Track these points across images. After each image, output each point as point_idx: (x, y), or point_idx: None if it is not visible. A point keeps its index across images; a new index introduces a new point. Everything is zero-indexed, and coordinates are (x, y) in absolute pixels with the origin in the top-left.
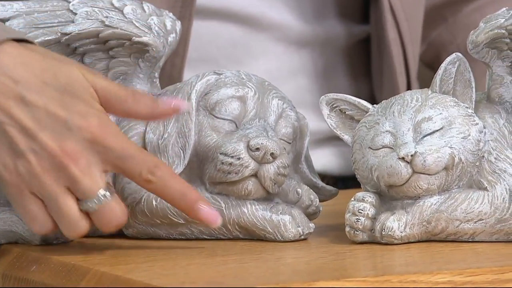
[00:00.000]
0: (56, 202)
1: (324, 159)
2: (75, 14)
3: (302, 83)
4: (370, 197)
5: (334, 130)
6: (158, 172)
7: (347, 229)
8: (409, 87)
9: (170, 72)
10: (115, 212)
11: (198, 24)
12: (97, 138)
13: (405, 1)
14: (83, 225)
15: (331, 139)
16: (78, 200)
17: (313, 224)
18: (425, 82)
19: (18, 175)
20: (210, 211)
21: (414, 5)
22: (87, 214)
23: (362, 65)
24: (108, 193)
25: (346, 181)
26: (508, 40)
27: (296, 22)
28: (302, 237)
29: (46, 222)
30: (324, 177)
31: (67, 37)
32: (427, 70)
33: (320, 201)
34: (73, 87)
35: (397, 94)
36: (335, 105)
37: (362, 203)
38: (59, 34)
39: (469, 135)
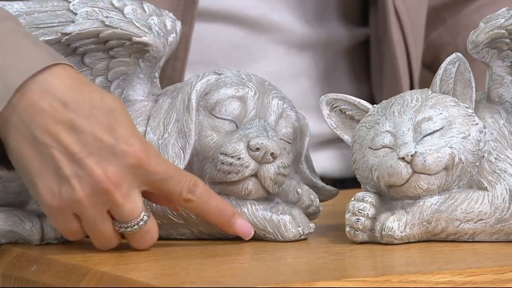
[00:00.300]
0: (94, 224)
1: (325, 162)
2: (75, 14)
3: (303, 85)
4: (370, 197)
5: (334, 130)
6: (197, 190)
7: (347, 229)
8: (412, 89)
9: (171, 76)
10: (150, 233)
11: (199, 27)
12: (140, 162)
13: (409, 3)
14: (115, 243)
15: (333, 142)
16: (114, 219)
17: (313, 224)
18: (424, 83)
19: (61, 199)
20: (245, 224)
21: (417, 7)
22: (119, 232)
23: (363, 67)
24: (146, 217)
25: (344, 183)
26: (508, 40)
27: (298, 24)
28: (302, 237)
29: (80, 234)
30: (323, 178)
31: (67, 37)
32: (426, 71)
33: (320, 201)
34: (118, 111)
35: (399, 85)
36: (335, 105)
37: (362, 203)
38: (59, 34)
39: (469, 135)
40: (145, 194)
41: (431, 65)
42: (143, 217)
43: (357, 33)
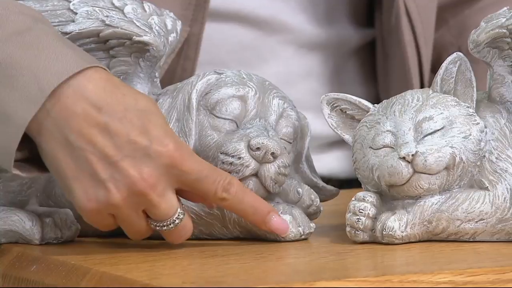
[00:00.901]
0: (129, 223)
1: (333, 163)
2: (76, 13)
3: (313, 86)
4: (371, 197)
5: (335, 130)
6: (231, 189)
7: (348, 229)
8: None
9: (181, 76)
10: (185, 229)
11: (209, 27)
12: (174, 163)
13: (420, 2)
14: (147, 235)
15: (341, 142)
16: (149, 217)
17: (314, 224)
18: (427, 85)
19: (98, 203)
20: (281, 221)
21: (428, 8)
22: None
23: (372, 67)
24: (181, 215)
25: (352, 184)
26: (509, 40)
27: (308, 24)
28: (303, 237)
29: (113, 227)
30: (329, 180)
31: (67, 36)
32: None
33: (321, 201)
34: (151, 111)
35: (410, 85)
36: (335, 105)
37: (363, 203)
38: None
39: (470, 134)
40: (179, 192)
41: (433, 66)
42: (178, 215)
43: (365, 34)
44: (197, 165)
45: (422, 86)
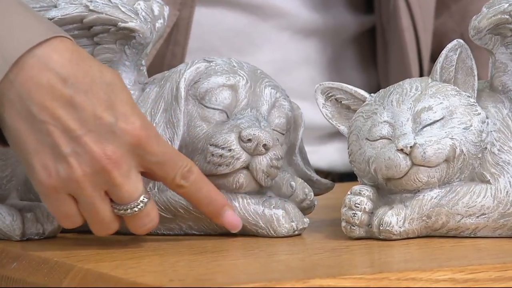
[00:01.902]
0: (92, 206)
1: (333, 155)
2: None
3: (310, 73)
4: (367, 191)
5: (330, 120)
6: (190, 177)
7: (343, 224)
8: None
9: (171, 62)
10: (150, 217)
11: (200, 12)
12: (139, 142)
13: None
14: (114, 227)
15: (339, 134)
16: (112, 202)
17: (307, 219)
18: (426, 73)
19: (58, 178)
20: (234, 216)
21: None
22: (118, 215)
23: (372, 55)
24: (145, 199)
25: (353, 177)
26: None
27: (303, 9)
28: (296, 232)
29: (76, 219)
30: (328, 173)
31: None
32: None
33: (315, 194)
34: (117, 86)
35: (409, 75)
36: (330, 94)
37: (359, 197)
38: None
39: (471, 125)
40: (143, 174)
41: (434, 54)
42: (142, 199)
43: (364, 21)
44: (161, 147)
45: (421, 74)
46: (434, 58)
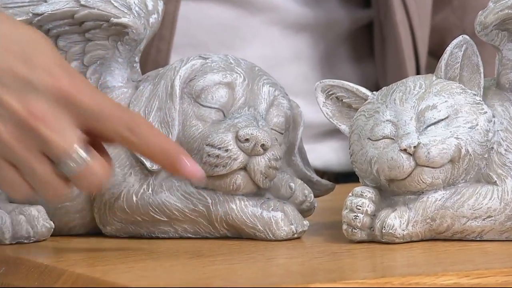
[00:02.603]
0: (30, 169)
1: (329, 154)
2: None
3: (302, 69)
4: (369, 192)
5: (330, 119)
6: (136, 129)
7: (345, 227)
8: (418, 74)
9: (156, 58)
10: (96, 175)
11: (186, 6)
12: (67, 96)
13: None
14: (62, 188)
15: (337, 132)
16: (54, 163)
17: (307, 222)
18: (431, 71)
19: None
20: (194, 164)
21: None
22: (65, 177)
23: (367, 52)
24: (83, 152)
25: (349, 177)
26: None
27: (293, 3)
28: (296, 235)
29: (22, 188)
30: (324, 173)
31: (39, 18)
32: (430, 58)
33: (315, 196)
34: (36, 39)
35: (404, 72)
36: (331, 92)
37: (361, 199)
38: (31, 15)
39: (477, 124)
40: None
41: (436, 51)
42: (78, 152)
43: (359, 16)
44: (95, 99)
45: (417, 70)
46: (436, 54)
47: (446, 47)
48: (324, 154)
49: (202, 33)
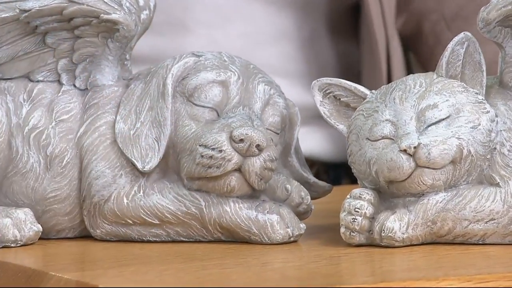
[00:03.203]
0: None
1: (313, 142)
2: None
3: (285, 49)
4: (368, 194)
5: (328, 119)
6: None
7: (342, 230)
8: (388, 44)
9: None
10: None
11: None
12: None
13: None
14: None
15: (321, 118)
16: None
17: (304, 225)
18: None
19: None
20: None
21: None
22: None
23: (351, 33)
24: None
25: (337, 169)
26: None
27: None
28: (292, 239)
29: None
30: (312, 163)
31: (26, 14)
32: (406, 43)
33: (312, 198)
34: None
35: (376, 54)
36: (328, 91)
37: (359, 201)
38: (18, 11)
39: (479, 124)
40: None
41: (412, 37)
42: None
43: None
44: None
45: (388, 56)
46: (413, 41)
47: (422, 33)
48: (308, 141)
49: (180, 10)
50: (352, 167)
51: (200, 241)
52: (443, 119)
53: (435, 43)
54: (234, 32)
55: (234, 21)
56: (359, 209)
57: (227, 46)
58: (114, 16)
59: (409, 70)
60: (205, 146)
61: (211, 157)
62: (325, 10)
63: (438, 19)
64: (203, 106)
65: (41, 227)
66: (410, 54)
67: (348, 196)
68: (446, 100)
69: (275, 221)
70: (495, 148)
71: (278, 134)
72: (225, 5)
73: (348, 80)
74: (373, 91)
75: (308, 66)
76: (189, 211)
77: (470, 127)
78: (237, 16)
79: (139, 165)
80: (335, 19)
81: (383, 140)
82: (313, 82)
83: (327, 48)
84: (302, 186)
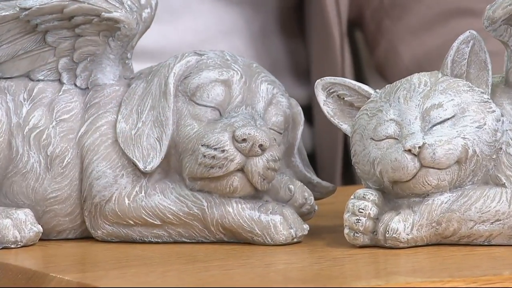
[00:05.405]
0: None
1: None
2: None
3: (235, 44)
4: (372, 195)
5: (331, 118)
6: None
7: (346, 231)
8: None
9: None
10: None
11: None
12: None
13: None
14: None
15: None
16: None
17: (307, 225)
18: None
19: None
20: None
21: None
22: None
23: (298, 30)
24: None
25: (313, 158)
26: None
27: None
28: (295, 240)
29: None
30: None
31: (26, 12)
32: (356, 29)
33: (315, 199)
34: None
35: (331, 49)
36: (332, 90)
37: (363, 202)
38: (18, 9)
39: (484, 124)
40: None
41: (356, 22)
42: None
43: None
44: None
45: (341, 40)
46: (356, 24)
47: (365, 18)
48: None
49: None
50: (356, 167)
51: (202, 242)
52: (448, 119)
53: (376, 30)
54: (184, 27)
55: (183, 16)
56: (363, 209)
57: (176, 41)
58: (115, 15)
59: (358, 66)
60: (208, 146)
61: (213, 157)
62: (274, 7)
63: (378, 7)
64: (205, 106)
65: (41, 228)
66: (357, 34)
67: (352, 197)
68: (451, 100)
69: (278, 222)
70: (500, 148)
71: (281, 134)
72: (173, 1)
73: (298, 77)
74: (377, 90)
75: (259, 62)
76: (191, 211)
77: (476, 127)
78: (185, 11)
79: (140, 165)
80: (284, 15)
81: (387, 140)
82: (316, 81)
83: (277, 44)
84: (305, 187)
